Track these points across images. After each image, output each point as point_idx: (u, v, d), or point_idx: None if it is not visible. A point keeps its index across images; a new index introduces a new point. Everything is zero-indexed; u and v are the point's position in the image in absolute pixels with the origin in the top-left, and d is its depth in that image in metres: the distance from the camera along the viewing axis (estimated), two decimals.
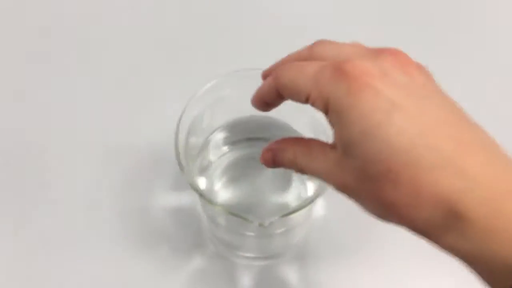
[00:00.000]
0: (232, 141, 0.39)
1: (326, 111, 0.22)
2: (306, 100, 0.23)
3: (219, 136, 0.38)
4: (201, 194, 0.30)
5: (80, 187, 0.41)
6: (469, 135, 0.20)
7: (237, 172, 0.38)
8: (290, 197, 0.38)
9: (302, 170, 0.25)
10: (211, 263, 0.38)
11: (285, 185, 0.38)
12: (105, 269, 0.38)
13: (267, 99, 0.26)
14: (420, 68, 0.23)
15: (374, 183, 0.20)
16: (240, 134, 0.39)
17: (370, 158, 0.20)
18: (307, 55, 0.25)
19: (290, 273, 0.39)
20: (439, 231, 0.20)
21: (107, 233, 0.39)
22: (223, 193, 0.38)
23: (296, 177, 0.38)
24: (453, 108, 0.22)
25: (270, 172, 0.37)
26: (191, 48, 0.48)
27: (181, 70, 0.47)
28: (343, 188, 0.23)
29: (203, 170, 0.38)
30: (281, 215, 0.30)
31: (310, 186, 0.37)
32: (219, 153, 0.39)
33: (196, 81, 0.33)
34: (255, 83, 0.27)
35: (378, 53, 0.22)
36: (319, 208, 0.42)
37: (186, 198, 0.41)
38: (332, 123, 0.22)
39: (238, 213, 0.30)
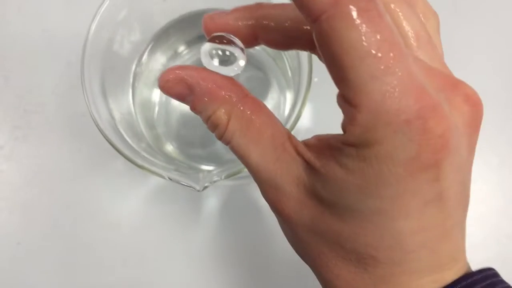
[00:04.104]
0: (187, 41, 0.32)
1: (363, 142, 0.15)
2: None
3: (169, 38, 0.31)
4: (128, 159, 0.24)
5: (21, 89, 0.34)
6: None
7: None
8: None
9: (234, 152, 0.18)
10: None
11: (262, 91, 0.32)
12: (53, 186, 0.33)
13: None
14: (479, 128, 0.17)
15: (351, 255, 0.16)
16: (195, 30, 0.32)
17: (364, 240, 0.16)
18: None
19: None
20: None
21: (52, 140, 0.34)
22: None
23: (275, 80, 0.32)
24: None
25: (243, 73, 0.32)
26: None
27: None
28: (296, 226, 0.17)
29: (154, 83, 0.32)
30: (226, 175, 0.24)
31: (289, 98, 0.32)
32: (173, 57, 0.32)
33: None
34: None
35: (452, 86, 0.16)
36: (303, 120, 0.35)
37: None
38: (357, 155, 0.15)
39: (178, 179, 0.24)
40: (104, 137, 0.24)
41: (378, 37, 0.14)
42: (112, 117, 0.27)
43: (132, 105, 0.30)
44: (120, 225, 0.33)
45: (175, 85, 0.18)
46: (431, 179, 0.15)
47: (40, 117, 0.34)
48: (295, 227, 0.17)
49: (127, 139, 0.27)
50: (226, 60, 0.18)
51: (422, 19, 0.17)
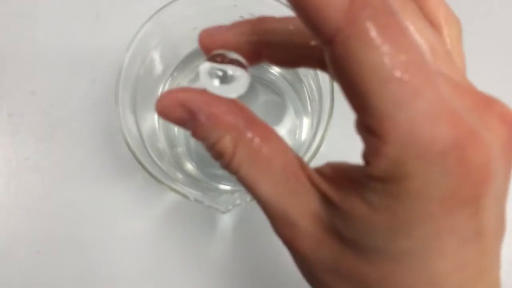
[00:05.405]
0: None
1: (391, 176, 0.13)
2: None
3: (193, 62, 0.33)
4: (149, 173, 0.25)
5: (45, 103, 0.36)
6: None
7: None
8: (282, 132, 0.34)
9: (242, 183, 0.16)
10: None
11: (279, 115, 0.34)
12: (73, 198, 0.35)
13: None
14: None
15: None
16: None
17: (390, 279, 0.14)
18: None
19: None
20: None
21: (77, 155, 0.35)
22: None
23: (291, 106, 0.34)
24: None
25: (261, 98, 0.33)
26: None
27: None
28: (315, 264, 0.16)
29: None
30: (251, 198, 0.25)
31: (306, 123, 0.33)
32: (194, 79, 0.33)
33: None
34: None
35: (484, 105, 0.14)
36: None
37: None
38: (387, 190, 0.13)
39: (202, 201, 0.25)
40: (135, 157, 0.26)
41: (403, 57, 0.12)
42: (141, 137, 0.28)
43: (157, 124, 0.32)
44: (138, 238, 0.34)
45: (174, 110, 0.16)
46: (469, 215, 0.13)
47: (64, 131, 0.35)
48: (313, 267, 0.15)
49: (154, 158, 0.28)
50: (228, 81, 0.16)
51: (444, 25, 0.16)
